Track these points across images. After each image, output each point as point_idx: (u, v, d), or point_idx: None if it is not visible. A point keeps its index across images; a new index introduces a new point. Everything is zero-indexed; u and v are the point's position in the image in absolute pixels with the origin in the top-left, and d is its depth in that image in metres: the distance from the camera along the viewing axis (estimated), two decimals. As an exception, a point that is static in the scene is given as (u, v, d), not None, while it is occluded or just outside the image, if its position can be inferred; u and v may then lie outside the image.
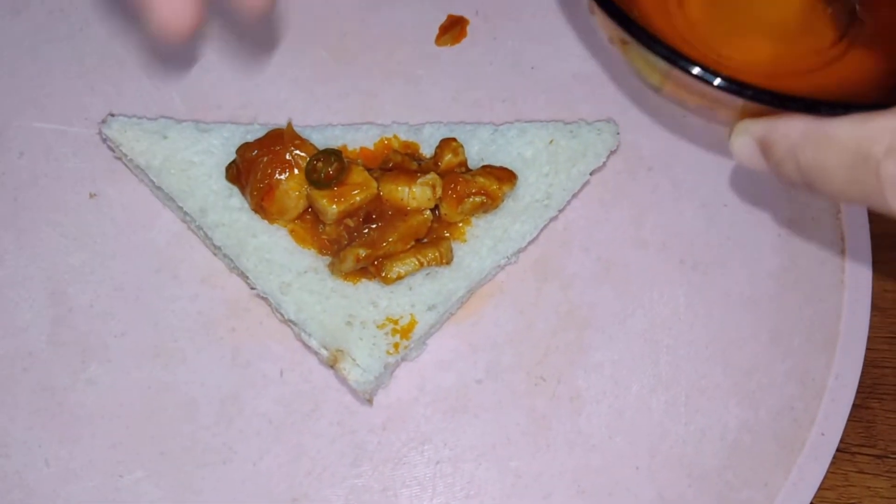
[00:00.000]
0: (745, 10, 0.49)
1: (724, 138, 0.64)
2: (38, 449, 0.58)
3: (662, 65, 0.42)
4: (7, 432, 0.58)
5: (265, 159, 0.58)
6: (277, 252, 0.59)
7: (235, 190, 0.60)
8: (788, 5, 0.49)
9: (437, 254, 0.59)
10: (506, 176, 0.60)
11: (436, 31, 0.67)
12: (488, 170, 0.60)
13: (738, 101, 0.41)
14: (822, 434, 0.59)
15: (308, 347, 0.58)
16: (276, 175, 0.58)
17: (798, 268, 0.62)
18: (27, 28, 0.66)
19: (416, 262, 0.59)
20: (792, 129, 0.41)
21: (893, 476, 0.60)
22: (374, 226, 0.58)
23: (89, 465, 0.57)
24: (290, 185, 0.58)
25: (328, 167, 0.57)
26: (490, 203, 0.59)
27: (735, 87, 0.40)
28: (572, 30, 0.67)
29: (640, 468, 0.58)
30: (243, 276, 0.60)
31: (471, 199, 0.59)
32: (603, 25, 0.44)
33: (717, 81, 0.40)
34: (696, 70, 0.40)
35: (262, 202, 0.59)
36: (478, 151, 0.62)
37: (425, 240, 0.60)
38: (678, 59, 0.41)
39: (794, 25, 0.48)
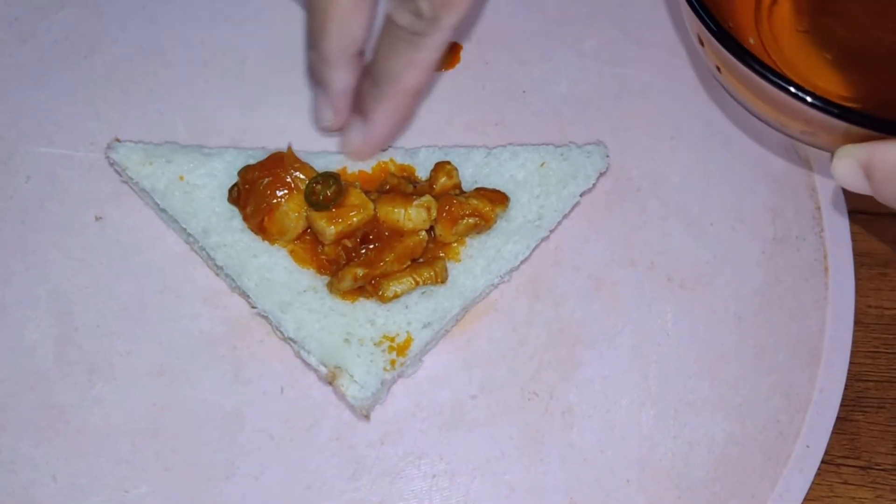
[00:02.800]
0: (836, 43, 0.50)
1: (709, 160, 0.67)
2: (45, 465, 0.59)
3: (771, 92, 0.43)
4: (15, 449, 0.59)
5: (266, 181, 0.60)
6: (277, 272, 0.61)
7: (237, 212, 0.61)
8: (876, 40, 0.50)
9: (432, 273, 0.60)
10: (498, 198, 0.61)
11: (430, 57, 0.69)
12: (481, 192, 0.62)
13: (843, 126, 0.43)
14: (808, 446, 0.60)
15: (307, 365, 0.59)
16: (277, 197, 0.59)
17: (782, 285, 0.64)
18: (34, 56, 0.68)
19: (412, 282, 0.60)
20: (894, 153, 0.43)
21: (877, 487, 0.61)
22: (371, 246, 0.60)
23: (95, 481, 0.58)
24: (290, 206, 0.60)
25: (327, 189, 0.59)
26: (483, 224, 0.61)
27: (844, 113, 0.42)
28: (563, 55, 0.69)
29: (630, 481, 0.59)
30: (244, 295, 0.61)
31: (464, 221, 0.60)
32: (712, 54, 0.46)
33: (828, 107, 0.42)
34: (808, 98, 0.42)
35: (263, 223, 0.60)
36: (471, 174, 0.63)
37: (421, 260, 0.61)
38: (792, 88, 0.42)
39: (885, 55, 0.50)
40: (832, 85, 0.49)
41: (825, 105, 0.42)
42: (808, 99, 0.42)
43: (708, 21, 0.44)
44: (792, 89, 0.43)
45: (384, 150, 0.63)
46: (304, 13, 0.59)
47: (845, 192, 0.65)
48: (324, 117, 0.61)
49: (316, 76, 0.60)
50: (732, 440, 0.60)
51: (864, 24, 0.51)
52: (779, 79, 0.43)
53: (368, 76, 0.59)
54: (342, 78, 0.59)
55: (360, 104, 0.60)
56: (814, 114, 0.43)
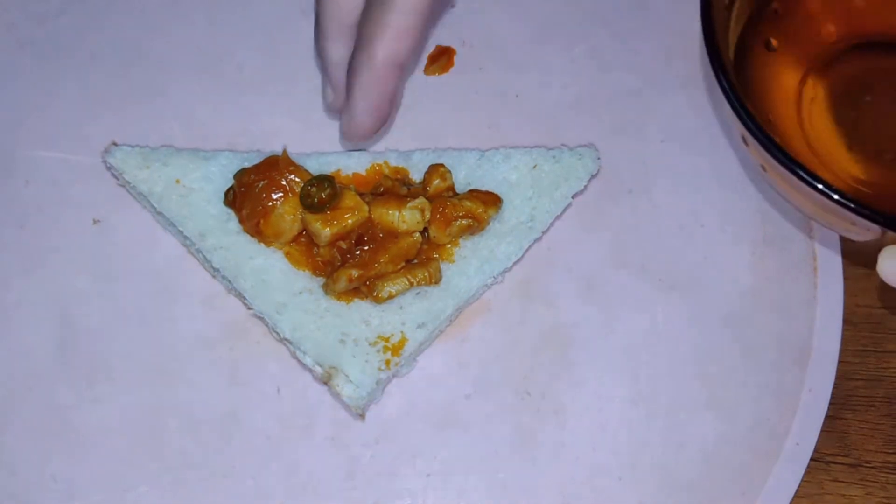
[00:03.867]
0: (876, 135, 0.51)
1: (699, 162, 0.67)
2: (44, 466, 0.59)
3: (816, 197, 0.44)
4: (14, 450, 0.60)
5: (261, 185, 0.60)
6: (273, 274, 0.61)
7: (233, 214, 0.62)
8: None
9: (426, 274, 0.61)
10: (491, 200, 0.62)
11: (424, 61, 0.69)
12: (474, 194, 0.62)
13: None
14: (797, 444, 0.61)
15: (303, 365, 0.60)
16: (272, 200, 0.60)
17: (772, 285, 0.64)
18: (32, 61, 0.68)
19: (407, 282, 0.60)
20: None
21: (867, 484, 0.62)
22: (365, 248, 0.60)
23: (94, 481, 0.59)
24: (286, 209, 0.60)
25: (322, 192, 0.59)
26: (476, 226, 0.61)
27: (889, 221, 0.42)
28: (554, 60, 0.69)
29: (622, 479, 0.60)
30: (241, 297, 0.61)
31: (458, 223, 0.61)
32: (757, 155, 0.47)
33: (874, 216, 0.43)
34: (852, 205, 0.43)
35: (259, 226, 0.61)
36: (465, 176, 0.64)
37: (415, 261, 0.61)
38: (836, 195, 0.43)
39: None
40: (876, 176, 0.50)
41: (872, 213, 0.43)
42: (853, 206, 0.43)
43: (753, 127, 0.45)
44: (836, 196, 0.43)
45: (375, 137, 0.61)
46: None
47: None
48: (325, 95, 0.60)
49: (317, 52, 0.59)
50: (723, 439, 0.61)
51: None
52: (825, 187, 0.43)
53: (350, 60, 0.57)
54: (337, 50, 0.57)
55: (346, 89, 0.58)
56: (859, 218, 0.44)
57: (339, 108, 0.59)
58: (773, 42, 0.52)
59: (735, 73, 0.48)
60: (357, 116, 0.57)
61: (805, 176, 0.43)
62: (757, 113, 0.46)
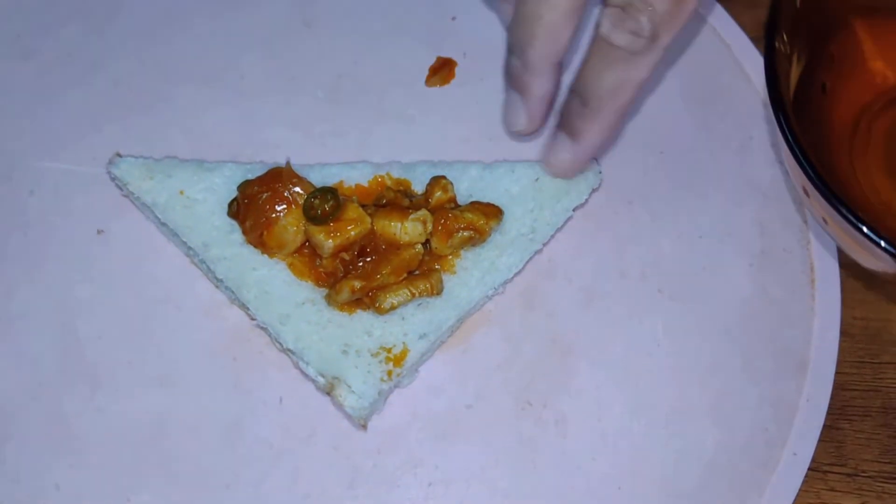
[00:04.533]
0: None
1: (698, 174, 0.68)
2: (48, 474, 0.59)
3: (875, 250, 0.45)
4: (18, 458, 0.60)
5: (265, 196, 0.61)
6: (276, 284, 0.62)
7: (237, 226, 0.62)
8: None
9: (428, 285, 0.61)
10: (492, 211, 0.63)
11: (426, 73, 0.70)
12: (476, 206, 0.63)
13: None
14: (795, 454, 0.61)
15: (306, 375, 0.60)
16: (276, 211, 0.60)
17: (770, 296, 0.65)
18: (37, 72, 0.69)
19: (409, 293, 0.61)
20: None
21: (863, 493, 0.62)
22: (368, 259, 0.61)
23: (98, 489, 0.59)
24: (289, 220, 0.61)
25: (325, 204, 0.60)
26: (478, 237, 0.62)
27: None
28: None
29: (622, 488, 0.60)
30: (244, 307, 0.62)
31: (459, 234, 0.61)
32: (818, 207, 0.48)
33: None
34: None
35: (262, 237, 0.61)
36: (467, 188, 0.65)
37: (417, 272, 0.62)
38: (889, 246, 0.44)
39: None
40: None
41: None
42: None
43: (819, 183, 0.45)
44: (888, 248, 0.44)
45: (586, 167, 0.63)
46: (499, 17, 0.60)
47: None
48: (517, 122, 0.61)
49: (515, 82, 0.60)
50: (721, 448, 0.61)
51: None
52: (888, 244, 0.44)
53: (576, 94, 0.58)
54: (543, 85, 0.58)
55: (566, 122, 0.60)
56: None
57: (529, 133, 0.62)
58: (828, 85, 0.53)
59: (794, 117, 0.48)
60: (585, 156, 0.61)
61: (868, 233, 0.44)
62: (815, 158, 0.46)
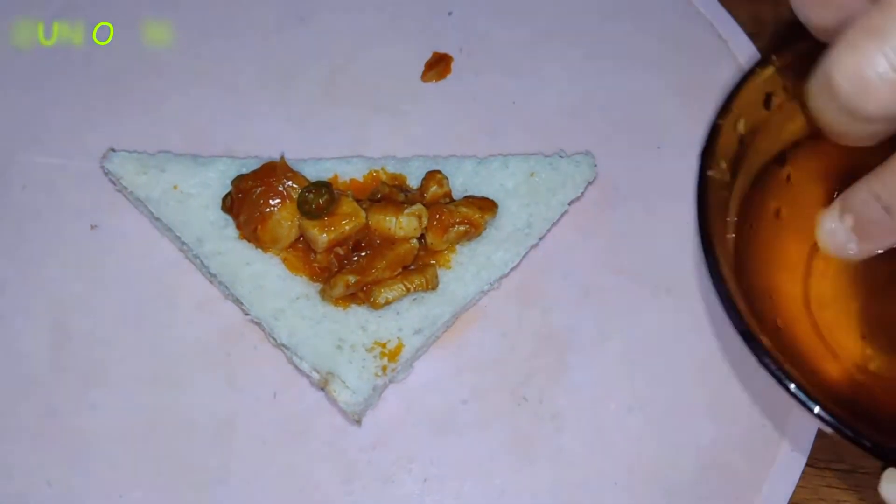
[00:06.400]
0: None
1: (693, 168, 0.68)
2: (40, 470, 0.59)
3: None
4: (10, 455, 0.59)
5: (259, 191, 0.60)
6: (271, 279, 0.61)
7: (231, 220, 0.62)
8: None
9: (423, 280, 0.61)
10: (487, 205, 0.62)
11: (421, 68, 0.70)
12: (470, 200, 0.63)
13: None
14: (792, 450, 0.61)
15: (300, 371, 0.60)
16: (270, 206, 0.60)
17: (767, 291, 0.65)
18: (30, 67, 0.69)
19: (403, 288, 0.61)
20: None
21: (861, 490, 0.62)
22: (362, 254, 0.60)
23: (90, 486, 0.59)
24: (283, 215, 0.60)
25: (319, 198, 0.59)
26: (473, 231, 0.62)
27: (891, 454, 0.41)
28: (551, 67, 0.70)
29: (618, 483, 0.60)
30: (238, 302, 0.62)
31: (455, 229, 0.61)
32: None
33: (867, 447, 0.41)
34: (867, 443, 0.41)
35: (257, 231, 0.61)
36: (462, 183, 0.64)
37: (412, 267, 0.62)
38: (841, 427, 0.41)
39: None
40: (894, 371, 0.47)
41: (866, 444, 0.41)
42: (867, 444, 0.41)
43: (746, 333, 0.43)
44: (830, 420, 0.42)
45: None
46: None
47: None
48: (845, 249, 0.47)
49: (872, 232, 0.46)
50: (718, 444, 0.61)
51: None
52: (822, 410, 0.42)
53: (876, 197, 0.45)
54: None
55: (858, 222, 0.46)
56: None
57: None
58: (783, 210, 0.48)
59: (736, 237, 0.45)
60: (864, 256, 0.47)
61: (797, 393, 0.42)
62: (757, 287, 0.44)
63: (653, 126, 0.68)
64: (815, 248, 0.47)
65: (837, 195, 0.46)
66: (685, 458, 0.61)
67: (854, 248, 0.46)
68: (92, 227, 0.65)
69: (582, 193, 0.65)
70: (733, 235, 0.46)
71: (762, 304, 0.45)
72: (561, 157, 0.65)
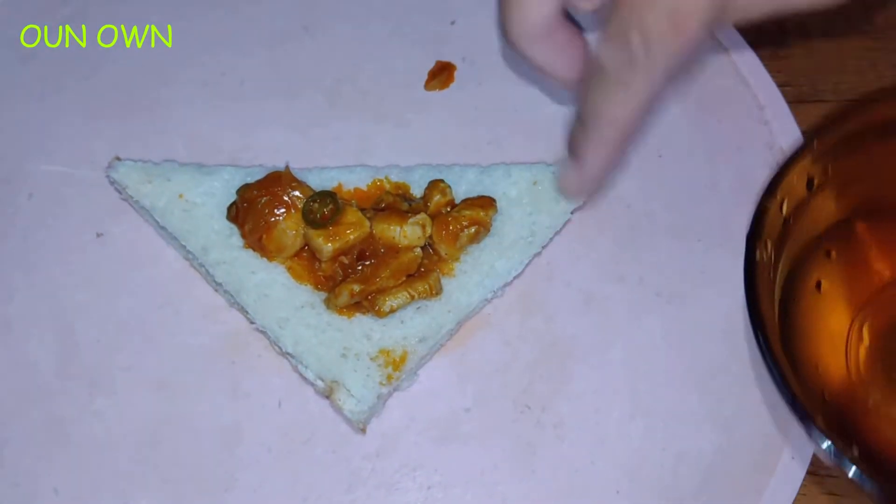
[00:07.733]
0: None
1: (696, 177, 0.68)
2: (46, 478, 0.60)
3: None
4: (17, 462, 0.60)
5: (264, 200, 0.61)
6: (276, 288, 0.62)
7: (236, 229, 0.62)
8: None
9: (426, 286, 0.61)
10: (486, 202, 0.63)
11: (425, 77, 0.70)
12: (469, 202, 0.63)
13: None
14: (793, 458, 0.61)
15: (305, 379, 0.60)
16: (275, 215, 0.61)
17: (768, 300, 0.65)
18: (36, 76, 0.69)
19: (408, 296, 0.61)
20: None
21: (861, 499, 0.62)
22: (367, 263, 0.61)
23: (96, 493, 0.59)
24: (288, 224, 0.61)
25: (324, 208, 0.60)
26: (483, 230, 0.62)
27: None
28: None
29: (620, 492, 0.60)
30: (243, 311, 0.62)
31: (465, 233, 0.61)
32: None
33: None
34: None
35: (262, 240, 0.61)
36: (465, 191, 0.65)
37: (415, 275, 0.62)
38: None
39: None
40: None
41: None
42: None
43: (794, 405, 0.44)
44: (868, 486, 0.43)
45: (597, 189, 0.63)
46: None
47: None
48: (568, 189, 0.63)
49: (574, 150, 0.59)
50: (720, 452, 0.61)
51: None
52: (860, 474, 0.43)
53: (577, 117, 0.57)
54: (540, 51, 0.56)
55: (571, 145, 0.58)
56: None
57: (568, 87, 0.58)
58: (823, 283, 0.51)
59: (780, 313, 0.47)
60: (589, 178, 0.60)
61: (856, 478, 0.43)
62: (802, 355, 0.45)
63: (655, 135, 0.69)
64: (854, 317, 0.50)
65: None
66: (687, 465, 0.61)
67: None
68: (98, 235, 0.65)
69: (585, 202, 0.65)
70: (777, 310, 0.48)
71: (809, 375, 0.47)
72: (564, 165, 0.65)
